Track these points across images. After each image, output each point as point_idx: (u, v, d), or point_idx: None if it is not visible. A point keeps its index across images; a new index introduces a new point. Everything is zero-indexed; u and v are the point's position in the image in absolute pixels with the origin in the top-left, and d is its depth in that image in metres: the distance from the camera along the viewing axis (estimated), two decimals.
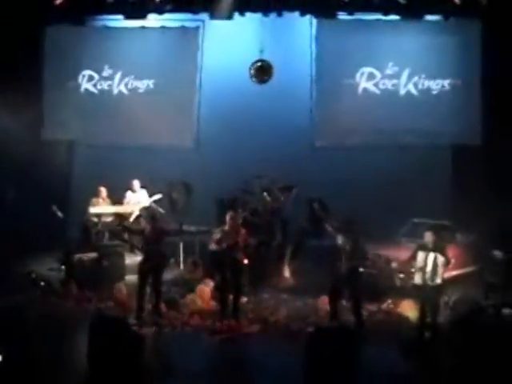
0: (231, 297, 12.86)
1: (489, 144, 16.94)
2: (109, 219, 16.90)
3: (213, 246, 12.89)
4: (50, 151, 17.88)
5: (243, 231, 12.92)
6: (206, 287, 13.86)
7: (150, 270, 12.78)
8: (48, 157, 17.69)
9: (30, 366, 9.87)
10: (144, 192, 17.23)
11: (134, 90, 18.77)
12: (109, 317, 11.28)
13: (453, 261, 12.29)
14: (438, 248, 11.90)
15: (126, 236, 16.25)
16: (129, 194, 17.25)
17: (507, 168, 16.04)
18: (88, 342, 9.70)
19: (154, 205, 16.79)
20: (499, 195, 15.61)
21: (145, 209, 16.68)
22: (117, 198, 17.22)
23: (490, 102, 17.17)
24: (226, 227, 12.86)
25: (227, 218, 12.95)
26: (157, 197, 16.84)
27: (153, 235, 12.89)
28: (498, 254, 14.29)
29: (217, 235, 12.85)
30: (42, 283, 14.31)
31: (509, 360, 10.00)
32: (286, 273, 14.87)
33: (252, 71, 17.63)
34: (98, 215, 16.72)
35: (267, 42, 17.80)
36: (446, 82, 17.97)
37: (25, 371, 9.63)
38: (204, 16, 17.77)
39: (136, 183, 17.24)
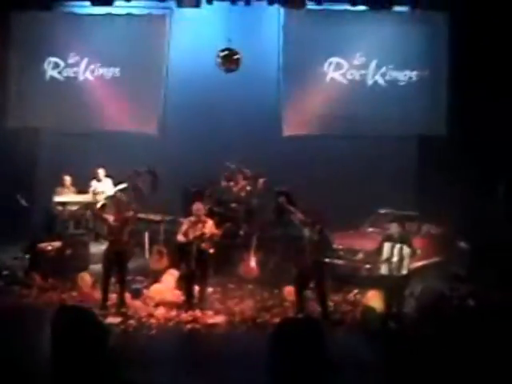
0: (197, 287, 12.81)
1: (455, 135, 17.01)
2: (74, 208, 16.74)
3: (180, 238, 12.83)
4: (14, 139, 17.62)
5: (209, 222, 12.89)
6: (171, 277, 13.79)
7: (115, 259, 12.67)
8: (12, 145, 17.46)
9: None
10: (109, 181, 17.09)
11: (99, 78, 18.59)
12: (73, 307, 11.16)
13: (419, 252, 12.35)
14: (404, 239, 11.95)
15: (90, 225, 16.12)
16: (94, 182, 17.10)
17: (473, 159, 16.13)
18: (51, 333, 9.55)
19: (119, 193, 16.63)
20: (465, 186, 15.70)
21: (110, 197, 16.52)
22: (82, 187, 17.04)
23: (457, 93, 17.23)
24: (192, 218, 12.81)
25: (193, 208, 12.89)
26: (122, 186, 16.69)
27: (118, 224, 12.78)
28: (463, 245, 14.39)
29: (184, 226, 12.79)
30: (6, 272, 14.17)
31: (473, 350, 10.05)
32: (252, 263, 14.85)
33: (219, 60, 17.52)
34: (63, 204, 16.56)
35: (235, 31, 17.73)
36: (414, 74, 18.02)
37: None
38: (171, 3, 17.63)
39: (101, 172, 17.10)
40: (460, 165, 16.21)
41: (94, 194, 16.92)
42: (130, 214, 13.17)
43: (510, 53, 16.22)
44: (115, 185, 16.89)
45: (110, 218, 12.92)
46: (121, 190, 16.62)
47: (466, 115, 16.64)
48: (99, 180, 17.11)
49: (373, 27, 18.01)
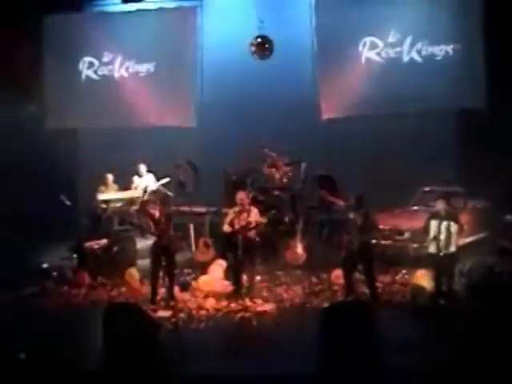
0: (245, 276, 12.83)
1: (495, 107, 16.75)
2: (117, 205, 16.81)
3: (226, 228, 12.83)
4: (54, 140, 17.73)
5: (254, 210, 12.88)
6: (219, 268, 13.81)
7: (162, 253, 12.72)
8: (53, 146, 17.56)
9: (46, 360, 9.84)
10: (151, 176, 17.15)
11: (135, 74, 18.67)
12: (122, 303, 11.24)
13: (466, 227, 12.22)
14: (451, 215, 11.84)
15: (136, 220, 16.21)
16: (136, 178, 17.16)
17: None
18: (103, 330, 9.63)
19: (162, 188, 16.70)
20: (508, 158, 15.49)
21: (153, 192, 16.58)
22: (124, 184, 17.13)
23: (495, 65, 16.96)
24: (237, 208, 12.81)
25: (237, 198, 12.89)
26: (164, 181, 16.75)
27: (163, 218, 12.82)
28: (510, 218, 14.20)
29: (229, 217, 12.80)
30: (55, 273, 14.31)
31: None
32: (299, 249, 14.82)
33: (253, 47, 17.46)
34: (106, 201, 16.64)
35: (266, 17, 17.65)
36: (450, 47, 17.73)
37: (41, 365, 9.60)
38: None
39: (142, 167, 17.16)
40: (501, 137, 15.98)
41: (136, 189, 16.99)
42: (173, 209, 13.23)
43: None
44: (157, 180, 16.95)
45: (156, 212, 12.95)
46: (163, 185, 16.71)
47: (507, 86, 16.37)
48: (141, 176, 17.16)
49: (405, 3, 17.78)
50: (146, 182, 17.11)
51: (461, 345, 9.91)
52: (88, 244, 14.82)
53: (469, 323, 10.49)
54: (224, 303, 12.51)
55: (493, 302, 10.82)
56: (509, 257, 13.28)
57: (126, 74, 18.67)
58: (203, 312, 12.23)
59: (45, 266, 14.49)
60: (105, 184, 16.96)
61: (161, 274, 12.81)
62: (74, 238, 15.35)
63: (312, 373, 6.83)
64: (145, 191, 16.82)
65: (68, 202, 15.78)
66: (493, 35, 16.85)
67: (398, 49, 18.00)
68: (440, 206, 11.92)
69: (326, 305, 10.97)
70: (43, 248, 15.68)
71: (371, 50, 18.09)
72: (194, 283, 13.52)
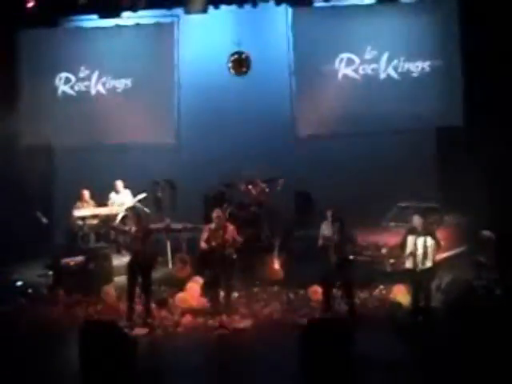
0: (222, 293, 12.77)
1: (472, 123, 16.84)
2: (94, 222, 16.73)
3: (203, 245, 12.78)
4: (30, 157, 17.61)
5: (231, 227, 12.84)
6: (196, 285, 13.74)
7: (139, 270, 12.63)
8: (29, 162, 17.43)
9: (21, 376, 9.77)
10: (128, 192, 17.08)
11: (111, 90, 18.60)
12: (99, 320, 11.17)
13: (442, 243, 12.25)
14: (427, 231, 11.87)
15: (112, 237, 16.12)
16: (113, 195, 17.09)
17: (490, 147, 15.97)
18: (79, 348, 9.56)
19: (138, 204, 16.64)
20: (484, 175, 15.59)
21: (130, 209, 16.50)
22: (100, 200, 17.04)
23: (471, 81, 17.07)
24: (214, 225, 12.76)
25: (214, 215, 12.84)
26: (141, 196, 16.70)
27: (139, 235, 12.74)
28: (486, 233, 14.25)
29: (205, 234, 12.75)
30: (30, 290, 14.19)
31: (502, 340, 9.96)
32: (276, 265, 14.78)
33: (230, 64, 17.50)
34: (83, 218, 16.55)
35: (244, 34, 17.77)
36: (426, 64, 17.85)
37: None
38: (178, 11, 17.65)
39: (119, 184, 17.09)
40: (478, 153, 16.07)
41: (113, 206, 16.91)
42: (151, 223, 13.16)
43: None
44: (134, 196, 16.88)
45: (132, 229, 12.87)
46: (140, 201, 16.64)
47: (483, 103, 16.46)
48: (118, 192, 17.08)
49: (382, 20, 17.87)
50: (122, 198, 17.04)
51: (439, 360, 9.94)
52: (64, 261, 14.69)
53: (446, 338, 10.53)
54: (201, 320, 12.44)
55: (470, 317, 10.84)
56: (485, 272, 13.31)
57: (102, 90, 18.60)
58: (180, 329, 12.16)
59: (19, 283, 14.36)
60: (81, 200, 16.86)
61: (137, 291, 12.72)
62: (49, 255, 15.23)
63: None
64: (122, 208, 16.75)
65: (44, 219, 15.67)
66: (469, 52, 16.97)
67: (374, 65, 18.08)
68: (416, 221, 11.95)
69: (303, 321, 10.93)
70: (19, 265, 15.55)
71: (348, 67, 18.15)
72: (170, 300, 13.43)
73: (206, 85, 17.99)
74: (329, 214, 12.35)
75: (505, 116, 16.06)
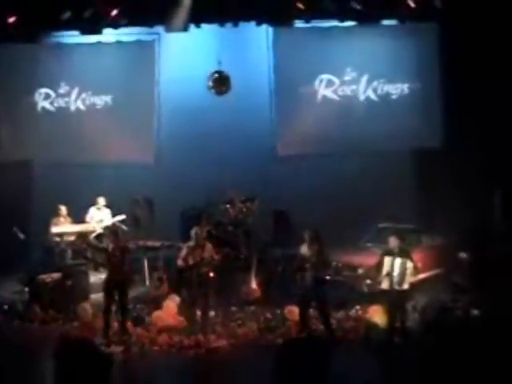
0: (198, 312, 12.74)
1: (450, 146, 16.97)
2: (71, 238, 16.62)
3: (180, 263, 12.75)
4: (7, 172, 17.53)
5: (209, 246, 12.82)
6: (173, 303, 13.71)
7: (116, 287, 12.60)
8: (6, 177, 17.36)
9: None
10: (107, 211, 17.01)
11: (91, 106, 18.54)
12: (75, 337, 11.10)
13: (419, 264, 12.31)
14: (404, 252, 11.93)
15: (89, 254, 16.05)
16: (92, 209, 17.02)
17: (468, 169, 16.11)
18: (54, 364, 9.48)
19: (116, 222, 16.59)
20: (462, 197, 15.69)
21: (107, 227, 16.44)
22: (78, 216, 16.97)
23: (450, 104, 17.22)
24: (192, 243, 12.74)
25: (192, 233, 12.82)
26: (119, 218, 16.62)
27: (117, 253, 12.71)
28: (463, 255, 14.34)
29: (183, 252, 12.73)
30: (6, 307, 14.10)
31: (479, 360, 9.99)
32: (253, 284, 14.77)
33: (210, 83, 17.54)
34: (60, 234, 16.46)
35: (224, 53, 17.78)
36: (405, 86, 18.02)
37: None
38: (159, 29, 17.66)
39: (101, 200, 17.02)
40: (455, 176, 16.20)
41: (91, 222, 16.85)
42: (132, 244, 13.16)
43: (500, 61, 16.21)
44: (113, 215, 16.82)
45: (110, 246, 12.85)
46: (119, 221, 16.59)
47: (461, 126, 16.61)
48: (99, 208, 17.02)
49: (362, 42, 18.02)
50: (102, 215, 16.98)
51: (414, 380, 9.97)
52: (40, 277, 14.60)
53: (422, 359, 10.56)
54: (177, 338, 12.40)
55: (446, 338, 10.89)
56: (462, 294, 13.39)
57: (82, 106, 18.53)
58: (156, 347, 12.13)
59: None
60: (58, 216, 16.77)
61: (114, 308, 12.68)
62: (26, 271, 15.14)
63: None
64: (100, 225, 16.70)
65: (21, 235, 15.59)
66: (448, 75, 17.13)
67: (354, 87, 18.21)
68: (393, 243, 12.02)
69: (280, 341, 10.93)
70: None
71: (327, 88, 18.26)
72: (147, 318, 13.39)
73: (186, 103, 18.02)
74: (307, 234, 12.38)
75: (482, 139, 16.20)
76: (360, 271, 14.33)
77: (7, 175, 17.45)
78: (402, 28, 17.85)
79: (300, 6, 16.74)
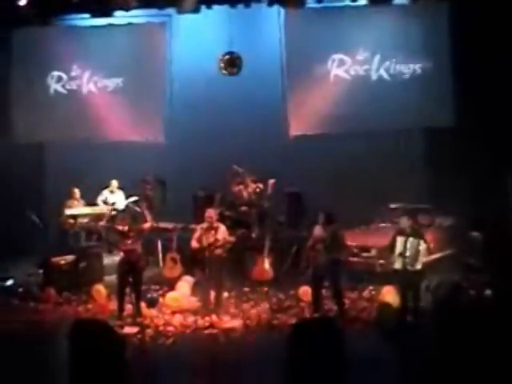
0: (212, 292, 12.79)
1: (463, 125, 16.89)
2: (85, 220, 16.72)
3: (194, 244, 12.80)
4: (21, 155, 17.60)
5: (222, 228, 12.86)
6: (186, 284, 13.78)
7: (129, 269, 12.65)
8: (20, 160, 17.44)
9: (12, 374, 9.77)
10: (121, 193, 17.09)
11: (103, 89, 18.51)
12: (89, 319, 11.17)
13: (431, 244, 12.30)
14: (416, 232, 11.92)
15: (102, 236, 16.13)
16: (106, 192, 17.10)
17: (482, 149, 16.04)
18: (69, 346, 9.56)
19: (130, 204, 16.65)
20: (474, 176, 15.66)
21: (122, 210, 16.50)
22: (91, 198, 17.05)
23: (462, 83, 17.12)
24: (205, 224, 12.78)
25: (206, 215, 12.86)
26: (132, 199, 16.69)
27: (131, 234, 12.76)
28: (475, 235, 14.32)
29: (197, 233, 12.78)
30: (21, 289, 14.20)
31: (492, 340, 9.99)
32: (266, 265, 14.83)
33: (222, 64, 17.52)
34: (74, 217, 16.55)
35: (236, 34, 17.71)
36: (418, 66, 17.86)
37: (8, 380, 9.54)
38: (171, 11, 17.59)
39: (114, 183, 17.11)
40: (469, 155, 16.14)
41: (105, 203, 16.94)
42: (147, 225, 13.20)
43: None
44: (127, 197, 16.89)
45: (124, 228, 12.89)
46: (132, 203, 16.65)
47: (474, 104, 16.52)
48: (112, 191, 17.09)
49: (374, 21, 17.86)
50: (114, 198, 17.06)
51: (427, 360, 9.98)
52: (54, 260, 14.70)
53: (435, 339, 10.57)
54: (191, 319, 12.47)
55: (459, 318, 10.89)
56: (475, 274, 13.38)
57: (94, 89, 18.52)
58: (170, 328, 12.19)
59: (10, 282, 14.38)
60: (72, 199, 16.86)
61: (128, 290, 12.74)
62: (40, 254, 15.23)
63: None
64: (113, 207, 16.78)
65: (35, 217, 15.68)
66: (461, 54, 17.00)
67: (366, 66, 18.07)
68: (404, 222, 12.00)
69: (293, 321, 10.97)
70: (9, 264, 15.53)
71: (339, 68, 18.15)
72: (161, 299, 13.47)
73: (198, 84, 18.00)
74: (321, 216, 12.39)
75: (495, 117, 16.11)
76: (373, 252, 14.33)
77: (21, 157, 17.53)
78: (414, 7, 17.67)
79: None
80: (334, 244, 12.14)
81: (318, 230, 12.35)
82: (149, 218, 13.60)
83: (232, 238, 12.95)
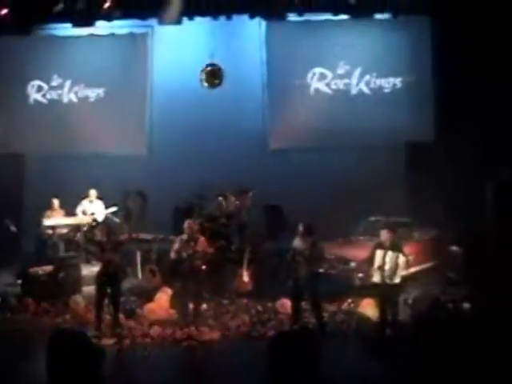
0: (191, 304, 12.76)
1: (442, 139, 17.01)
2: (63, 231, 16.65)
3: (173, 256, 12.76)
4: (0, 164, 17.50)
5: (201, 239, 12.83)
6: (165, 295, 13.73)
7: (108, 280, 12.59)
8: None
9: None
10: (100, 203, 17.04)
11: (84, 99, 18.54)
12: (66, 330, 11.10)
13: (410, 258, 12.34)
14: (395, 246, 11.94)
15: (81, 247, 16.07)
16: (85, 202, 17.04)
17: (460, 163, 16.15)
18: (47, 357, 9.49)
19: (109, 215, 16.61)
20: (454, 190, 15.74)
21: (102, 221, 16.45)
22: (70, 209, 16.98)
23: (442, 98, 17.24)
24: (184, 236, 12.75)
25: (185, 226, 12.83)
26: (112, 209, 16.69)
27: (109, 245, 12.72)
28: (455, 249, 14.39)
29: (176, 245, 12.74)
30: None
31: (470, 354, 10.02)
32: (245, 277, 14.81)
33: (203, 76, 17.54)
34: (53, 227, 16.48)
35: (217, 46, 17.75)
36: (398, 80, 18.03)
37: None
38: (153, 22, 17.63)
39: (93, 193, 17.06)
40: (448, 169, 16.23)
41: (84, 214, 16.87)
42: (124, 236, 13.16)
43: (493, 54, 16.22)
44: (106, 207, 16.85)
45: (102, 239, 12.84)
46: (112, 213, 16.61)
47: (454, 119, 16.64)
48: (91, 201, 17.04)
49: (355, 36, 18.02)
50: (93, 208, 17.00)
51: (405, 373, 9.99)
52: (33, 270, 14.61)
53: (414, 353, 10.59)
54: (169, 331, 12.42)
55: (437, 331, 10.92)
56: (453, 287, 13.44)
57: (74, 99, 18.53)
58: (148, 340, 12.14)
59: None
60: (51, 209, 16.79)
61: (106, 301, 12.69)
62: (18, 264, 15.14)
63: None
64: (92, 218, 16.72)
65: (13, 227, 15.59)
66: (441, 68, 17.15)
67: (346, 80, 18.21)
68: (384, 236, 12.03)
69: (272, 333, 10.95)
70: None
71: (320, 81, 18.26)
72: (139, 310, 13.42)
73: (179, 96, 18.02)
74: (300, 227, 12.40)
75: (475, 132, 16.23)
76: (352, 264, 14.35)
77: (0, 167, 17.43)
78: (395, 22, 17.82)
79: None
80: (313, 256, 12.14)
81: (297, 242, 12.36)
82: (126, 229, 13.58)
83: (211, 250, 12.93)
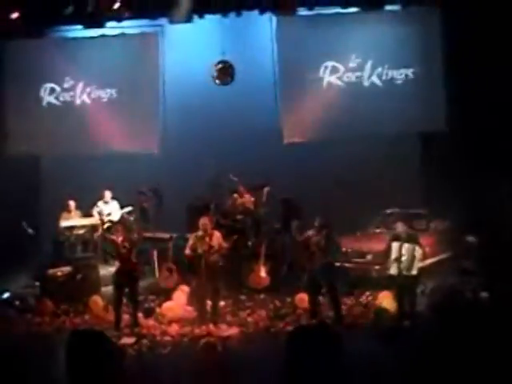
0: (208, 301, 12.79)
1: (456, 129, 16.94)
2: (80, 231, 16.72)
3: (188, 252, 12.79)
4: (15, 167, 17.56)
5: (217, 235, 12.85)
6: (182, 293, 13.78)
7: (125, 280, 12.67)
8: (14, 172, 17.40)
9: None
10: (115, 203, 17.11)
11: (96, 100, 18.54)
12: (85, 331, 11.17)
13: (427, 249, 12.33)
14: (411, 237, 11.96)
15: (98, 247, 16.14)
16: (100, 204, 17.11)
17: (476, 152, 16.10)
18: (66, 358, 9.56)
19: (125, 215, 16.67)
20: (469, 180, 15.69)
21: (117, 221, 16.50)
22: (86, 210, 17.06)
23: (454, 88, 17.18)
24: (200, 233, 12.76)
25: (200, 223, 12.85)
26: (127, 209, 16.75)
27: (126, 245, 12.78)
28: (471, 239, 14.36)
29: (191, 241, 12.77)
30: (18, 302, 14.17)
31: (489, 342, 10.02)
32: (262, 273, 14.83)
33: (214, 73, 17.56)
34: (70, 228, 16.55)
35: (228, 43, 17.78)
36: (410, 71, 17.93)
37: None
38: (163, 21, 17.63)
39: (108, 194, 17.12)
40: (463, 159, 16.19)
41: (100, 215, 16.93)
42: (141, 235, 13.24)
43: (503, 45, 16.15)
44: (121, 207, 16.92)
45: (119, 239, 12.90)
46: (127, 213, 16.68)
47: (467, 109, 16.57)
48: (106, 202, 17.11)
49: (366, 28, 17.92)
50: (109, 208, 17.07)
51: (425, 364, 9.99)
52: (51, 271, 14.71)
53: (432, 343, 10.58)
54: (188, 329, 12.48)
55: (455, 321, 10.92)
56: (470, 277, 13.41)
57: (87, 100, 18.54)
58: (167, 338, 12.21)
59: (6, 295, 14.36)
60: (67, 211, 16.87)
61: (124, 300, 12.75)
62: (36, 266, 15.22)
63: None
64: (109, 218, 16.79)
65: (30, 230, 15.68)
66: (452, 59, 17.07)
67: (358, 73, 18.13)
68: (400, 228, 12.04)
69: (290, 328, 10.97)
70: (5, 276, 15.50)
71: (332, 75, 18.19)
72: (157, 309, 13.48)
73: (191, 94, 18.03)
74: (316, 221, 12.41)
75: (488, 121, 16.16)
76: (369, 257, 14.35)
77: (15, 169, 17.48)
78: (405, 13, 17.75)
79: None
80: (329, 249, 12.16)
81: (312, 234, 12.37)
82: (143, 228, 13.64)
83: (227, 245, 12.93)
